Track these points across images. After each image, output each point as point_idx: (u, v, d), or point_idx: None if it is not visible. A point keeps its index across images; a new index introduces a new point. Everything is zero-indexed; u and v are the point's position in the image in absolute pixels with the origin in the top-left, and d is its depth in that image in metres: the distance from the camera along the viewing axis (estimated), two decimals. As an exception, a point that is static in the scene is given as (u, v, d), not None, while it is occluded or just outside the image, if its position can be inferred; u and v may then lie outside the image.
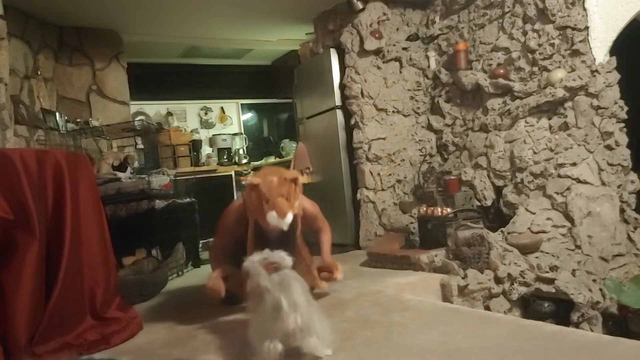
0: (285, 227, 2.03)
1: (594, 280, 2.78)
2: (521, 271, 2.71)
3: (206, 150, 6.06)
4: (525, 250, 2.87)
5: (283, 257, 1.61)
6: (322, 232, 2.52)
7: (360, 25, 3.98)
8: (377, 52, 4.03)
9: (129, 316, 2.07)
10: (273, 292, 1.48)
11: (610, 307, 2.75)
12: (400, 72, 4.15)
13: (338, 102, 4.15)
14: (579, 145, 3.12)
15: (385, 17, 4.05)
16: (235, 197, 5.47)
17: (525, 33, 3.38)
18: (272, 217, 2.00)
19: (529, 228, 3.04)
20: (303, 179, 3.90)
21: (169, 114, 6.08)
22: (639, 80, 3.25)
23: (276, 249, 1.84)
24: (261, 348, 1.48)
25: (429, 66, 4.16)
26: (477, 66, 3.73)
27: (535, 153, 3.27)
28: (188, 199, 3.86)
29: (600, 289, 2.74)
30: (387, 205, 3.98)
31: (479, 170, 3.61)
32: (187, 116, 6.31)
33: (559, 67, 3.19)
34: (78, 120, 4.16)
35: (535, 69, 3.33)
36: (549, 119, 3.26)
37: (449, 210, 3.10)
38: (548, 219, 3.06)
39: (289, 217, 2.01)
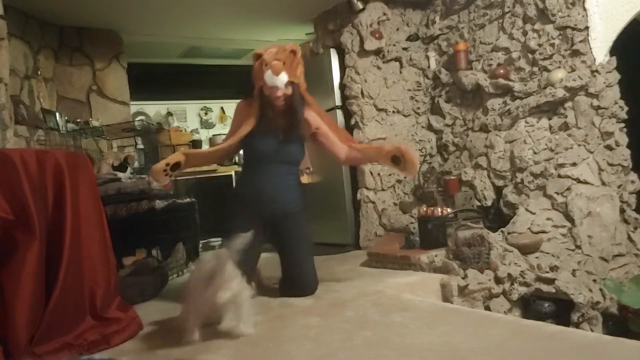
0: (280, 85, 2.32)
1: (594, 281, 2.78)
2: (521, 271, 2.71)
3: (206, 150, 6.05)
4: (526, 250, 2.87)
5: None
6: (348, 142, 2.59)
7: (361, 26, 3.98)
8: (377, 52, 4.03)
9: (129, 316, 2.07)
10: (209, 264, 1.58)
11: (610, 307, 2.75)
12: (401, 72, 4.15)
13: (338, 102, 4.15)
14: (579, 145, 3.12)
15: (386, 17, 4.05)
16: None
17: (525, 33, 3.38)
18: (267, 75, 2.31)
19: (529, 228, 3.04)
20: (303, 179, 3.90)
21: (169, 114, 6.08)
22: (639, 80, 3.25)
23: (283, 126, 2.37)
24: (187, 321, 1.54)
25: (429, 66, 4.16)
26: (477, 66, 3.73)
27: (535, 153, 3.27)
28: (188, 199, 3.85)
29: (601, 289, 2.74)
30: (387, 205, 3.98)
31: (479, 170, 3.61)
32: (187, 116, 6.32)
33: (559, 67, 3.19)
34: (78, 120, 4.16)
35: (536, 69, 3.33)
36: (549, 119, 3.26)
37: (449, 210, 3.10)
38: (548, 219, 3.06)
39: (283, 76, 2.31)
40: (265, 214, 2.45)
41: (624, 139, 3.12)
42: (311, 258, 2.52)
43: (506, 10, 3.52)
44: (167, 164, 2.24)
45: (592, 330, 2.60)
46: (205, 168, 5.52)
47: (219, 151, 2.53)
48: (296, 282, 2.45)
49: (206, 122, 6.33)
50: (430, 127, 4.18)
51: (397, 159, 2.27)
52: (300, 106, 2.45)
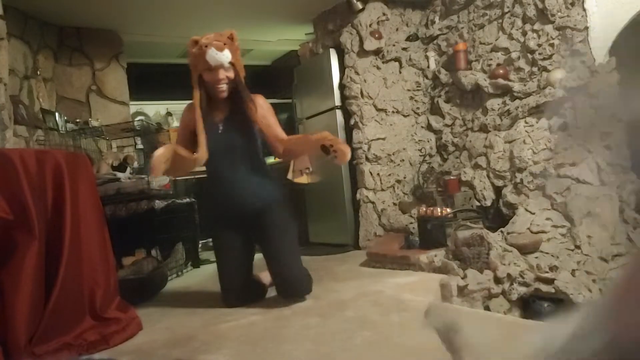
0: (224, 61, 2.20)
1: (594, 281, 2.78)
2: (521, 271, 2.71)
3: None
4: (525, 250, 2.87)
5: None
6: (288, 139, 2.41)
7: (360, 26, 3.99)
8: (377, 52, 4.03)
9: (129, 316, 2.07)
10: None
11: (609, 307, 2.74)
12: (400, 73, 4.15)
13: (338, 102, 4.15)
14: (578, 145, 3.12)
15: (385, 18, 4.05)
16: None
17: (524, 33, 3.38)
18: (210, 54, 2.18)
19: (528, 228, 3.04)
20: (303, 179, 3.89)
21: (169, 114, 6.07)
22: (638, 80, 3.25)
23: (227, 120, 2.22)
24: None
25: (428, 66, 4.16)
26: (476, 66, 3.73)
27: (534, 153, 3.27)
28: (187, 199, 3.85)
29: (600, 289, 2.74)
30: (387, 205, 3.98)
31: (479, 170, 3.61)
32: (186, 116, 6.29)
33: (559, 67, 3.19)
34: (78, 120, 4.16)
35: (535, 69, 3.33)
36: (549, 119, 3.26)
37: (448, 210, 3.10)
38: (548, 219, 3.06)
39: (227, 52, 2.20)
40: (238, 216, 2.35)
41: (623, 139, 3.12)
42: (296, 256, 2.37)
43: (506, 10, 3.52)
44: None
45: (591, 330, 2.60)
46: (205, 168, 5.51)
47: (192, 161, 2.24)
48: (284, 284, 2.32)
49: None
50: (429, 127, 4.18)
51: (326, 149, 2.14)
52: (244, 90, 2.33)
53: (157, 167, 1.95)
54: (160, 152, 1.98)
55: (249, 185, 2.34)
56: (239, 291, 2.37)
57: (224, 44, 2.22)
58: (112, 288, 2.10)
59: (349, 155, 2.16)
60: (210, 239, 2.59)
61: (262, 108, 2.38)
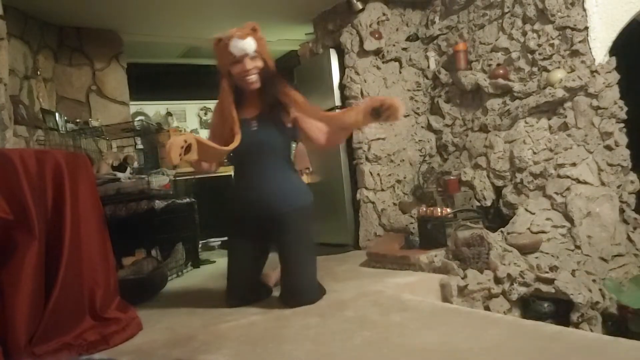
0: (249, 50, 2.12)
1: (594, 281, 2.78)
2: (521, 271, 2.71)
3: (206, 150, 6.04)
4: (525, 250, 2.87)
5: None
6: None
7: (360, 26, 3.99)
8: (377, 52, 4.03)
9: (129, 316, 2.07)
10: None
11: (609, 307, 2.75)
12: (400, 73, 4.15)
13: (338, 102, 4.15)
14: (578, 145, 3.12)
15: (385, 18, 4.05)
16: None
17: (524, 33, 3.38)
18: (233, 43, 2.11)
19: (528, 228, 3.04)
20: (303, 179, 3.89)
21: (169, 114, 6.07)
22: (638, 80, 3.25)
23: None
24: None
25: (428, 66, 4.16)
26: (476, 66, 3.73)
27: (534, 153, 3.27)
28: (188, 199, 3.85)
29: (600, 289, 2.74)
30: (387, 205, 3.98)
31: (479, 170, 3.61)
32: (186, 116, 6.31)
33: (559, 67, 3.19)
34: (78, 120, 4.16)
35: (535, 69, 3.33)
36: (549, 119, 3.26)
37: (448, 210, 3.10)
38: (548, 219, 3.06)
39: (250, 40, 2.12)
40: (261, 218, 2.27)
41: (623, 139, 3.12)
42: (310, 268, 2.30)
43: (506, 10, 3.52)
44: (185, 140, 1.92)
45: (591, 331, 2.60)
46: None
47: (221, 151, 2.18)
48: (289, 293, 2.27)
49: (206, 123, 6.33)
50: (429, 127, 4.18)
51: (377, 111, 1.99)
52: (276, 76, 2.24)
53: (174, 151, 1.84)
54: (177, 139, 1.89)
55: (279, 188, 2.26)
56: (245, 292, 2.35)
57: (247, 34, 2.14)
58: (112, 288, 2.10)
59: (402, 108, 1.98)
60: (217, 238, 2.53)
61: (297, 96, 2.25)
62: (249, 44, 2.12)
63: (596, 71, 3.06)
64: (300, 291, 2.25)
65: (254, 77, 2.19)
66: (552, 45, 3.22)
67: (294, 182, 2.36)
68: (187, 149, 1.93)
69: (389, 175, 4.02)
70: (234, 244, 2.41)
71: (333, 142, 2.38)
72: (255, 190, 2.27)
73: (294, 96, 2.24)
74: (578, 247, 2.95)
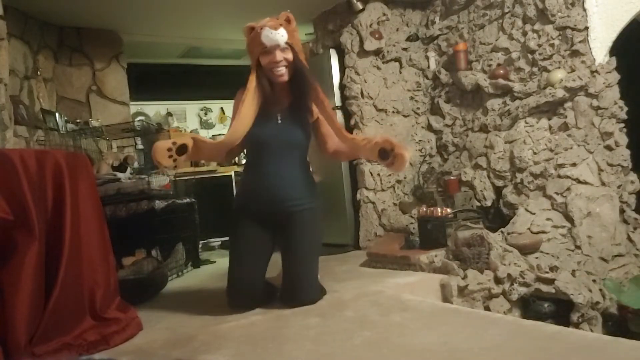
0: (280, 41, 2.09)
1: (594, 281, 2.78)
2: (521, 271, 2.71)
3: (206, 150, 6.04)
4: (525, 250, 2.87)
5: None
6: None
7: (360, 26, 3.99)
8: (377, 52, 4.03)
9: (129, 316, 2.07)
10: None
11: (610, 308, 2.75)
12: (400, 73, 4.15)
13: (338, 102, 4.15)
14: (578, 145, 3.12)
15: (385, 18, 4.05)
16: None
17: (525, 33, 3.38)
18: (265, 33, 2.08)
19: (528, 228, 3.04)
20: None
21: (169, 114, 6.08)
22: (638, 80, 3.25)
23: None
24: None
25: (428, 66, 4.16)
26: (477, 66, 3.73)
27: (535, 153, 3.27)
28: (188, 199, 3.85)
29: (600, 289, 2.74)
30: (387, 205, 3.98)
31: (479, 170, 3.61)
32: (187, 116, 6.31)
33: (559, 67, 3.19)
34: (78, 120, 4.16)
35: (535, 69, 3.33)
36: (549, 119, 3.26)
37: (448, 210, 3.10)
38: (548, 219, 3.06)
39: (282, 31, 2.09)
40: (269, 215, 2.24)
41: (623, 139, 3.12)
42: (313, 269, 2.27)
43: (506, 10, 3.52)
44: (174, 143, 1.92)
45: (591, 331, 2.60)
46: (205, 168, 5.53)
47: (226, 145, 2.16)
48: (289, 292, 2.24)
49: (206, 123, 6.33)
50: (430, 128, 4.18)
51: (386, 153, 1.98)
52: (306, 72, 2.19)
53: (159, 154, 1.86)
54: (162, 142, 1.90)
55: (292, 186, 2.22)
56: (247, 293, 2.25)
57: (280, 25, 2.11)
58: (112, 288, 2.10)
59: (407, 163, 1.97)
60: (228, 233, 2.41)
61: (323, 97, 2.23)
62: (280, 35, 2.10)
63: (596, 71, 3.06)
64: (301, 291, 2.22)
65: (283, 70, 2.15)
66: (552, 45, 3.22)
67: (310, 181, 2.33)
68: (181, 149, 1.93)
69: (389, 175, 4.02)
70: (238, 239, 2.31)
71: (337, 157, 2.38)
72: (271, 184, 2.22)
73: (322, 97, 2.22)
74: (578, 247, 2.95)
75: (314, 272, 2.30)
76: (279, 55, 2.12)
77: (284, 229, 2.26)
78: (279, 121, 2.22)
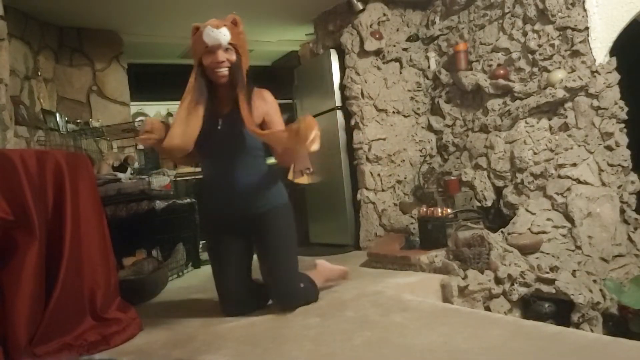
0: (222, 40, 2.05)
1: (594, 281, 2.78)
2: (521, 272, 2.71)
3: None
4: (526, 250, 2.87)
5: None
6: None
7: (361, 26, 3.99)
8: (377, 52, 4.03)
9: (129, 317, 2.07)
10: None
11: (610, 308, 2.75)
12: (401, 73, 4.15)
13: (338, 102, 4.15)
14: (579, 145, 3.12)
15: (385, 18, 4.05)
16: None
17: (525, 34, 3.38)
18: (207, 32, 2.05)
19: (529, 229, 3.04)
20: (303, 180, 3.89)
21: (169, 114, 6.06)
22: (639, 80, 3.25)
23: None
24: None
25: (429, 67, 4.16)
26: (477, 67, 3.73)
27: (535, 154, 3.27)
28: (188, 200, 3.85)
29: (601, 290, 2.74)
30: (387, 205, 3.98)
31: (479, 170, 3.61)
32: (187, 117, 6.29)
33: (559, 67, 3.19)
34: (78, 120, 4.16)
35: (536, 69, 3.33)
36: (549, 119, 3.26)
37: (449, 210, 3.10)
38: (548, 219, 3.06)
39: (225, 30, 2.07)
40: (235, 222, 2.18)
41: (623, 140, 3.12)
42: (292, 270, 2.20)
43: (506, 10, 3.52)
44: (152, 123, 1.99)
45: (592, 331, 2.60)
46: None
47: (166, 153, 2.16)
48: (282, 298, 2.19)
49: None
50: (430, 128, 4.18)
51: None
52: (240, 75, 2.10)
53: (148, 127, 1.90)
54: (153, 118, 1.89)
55: (249, 190, 2.15)
56: (239, 299, 2.22)
57: (224, 25, 2.08)
58: (112, 288, 2.09)
59: (313, 130, 1.96)
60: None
61: (267, 103, 2.18)
62: (222, 34, 2.05)
63: (597, 71, 3.06)
64: (291, 297, 2.18)
65: (224, 70, 2.08)
66: (552, 45, 3.22)
67: (268, 181, 2.22)
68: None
69: (390, 175, 4.02)
70: (214, 253, 2.28)
71: (285, 157, 2.21)
72: (225, 190, 2.17)
73: (264, 108, 2.17)
74: (579, 247, 2.95)
75: (293, 271, 2.22)
76: (222, 56, 2.07)
77: (254, 232, 2.21)
78: (219, 126, 2.15)
